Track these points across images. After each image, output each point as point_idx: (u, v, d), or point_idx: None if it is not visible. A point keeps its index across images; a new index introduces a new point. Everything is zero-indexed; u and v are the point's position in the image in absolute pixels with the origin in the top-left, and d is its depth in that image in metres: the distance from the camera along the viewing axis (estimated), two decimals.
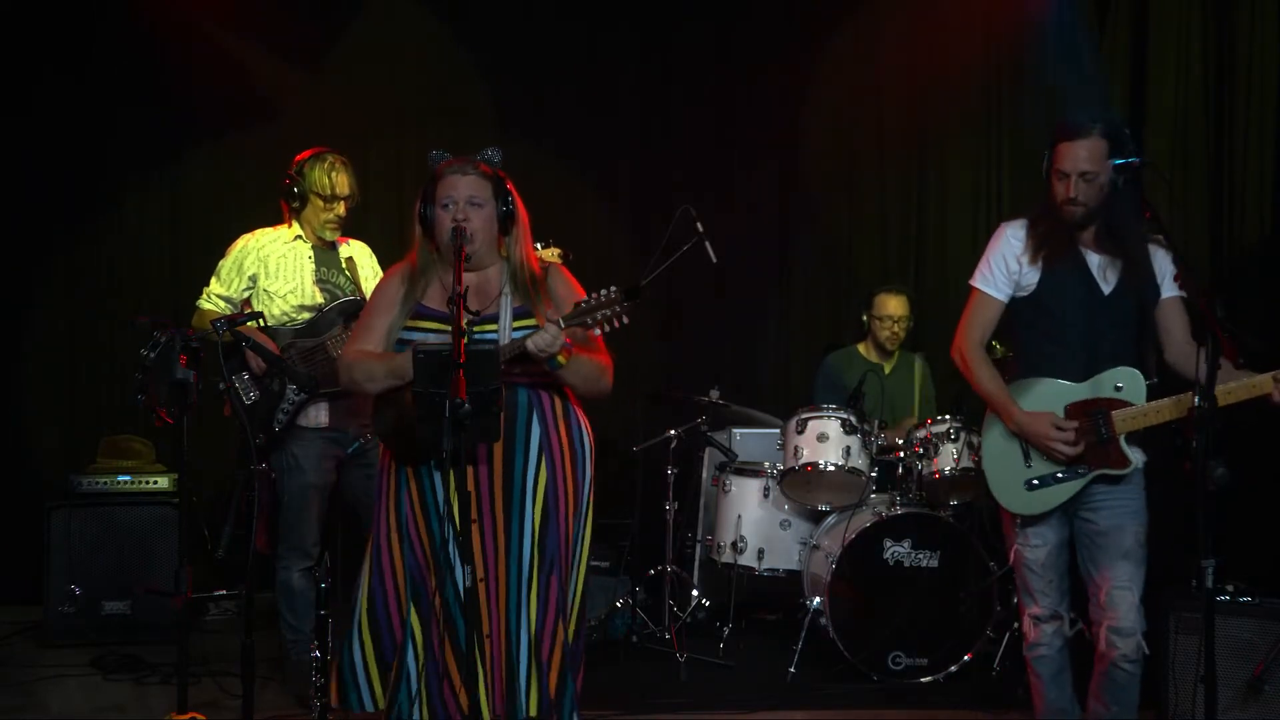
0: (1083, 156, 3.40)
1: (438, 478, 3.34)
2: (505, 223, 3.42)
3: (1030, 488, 3.51)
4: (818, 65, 6.68)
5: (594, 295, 3.20)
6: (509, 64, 6.57)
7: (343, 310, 4.47)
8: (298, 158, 4.60)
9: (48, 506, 5.36)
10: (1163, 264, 3.51)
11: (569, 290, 3.45)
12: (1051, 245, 3.48)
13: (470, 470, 3.26)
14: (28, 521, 5.51)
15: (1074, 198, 3.42)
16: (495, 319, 3.36)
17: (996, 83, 6.53)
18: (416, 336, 3.36)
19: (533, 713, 3.30)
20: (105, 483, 5.50)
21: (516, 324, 3.35)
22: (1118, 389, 3.45)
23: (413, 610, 3.37)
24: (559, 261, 4.45)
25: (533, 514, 3.35)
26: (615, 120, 6.72)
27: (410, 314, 3.40)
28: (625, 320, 3.18)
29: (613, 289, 3.17)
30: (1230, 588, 4.04)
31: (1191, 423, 3.12)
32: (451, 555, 3.29)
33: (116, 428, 5.85)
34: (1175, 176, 5.81)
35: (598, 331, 3.22)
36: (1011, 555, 3.66)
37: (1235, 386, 3.30)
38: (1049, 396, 3.50)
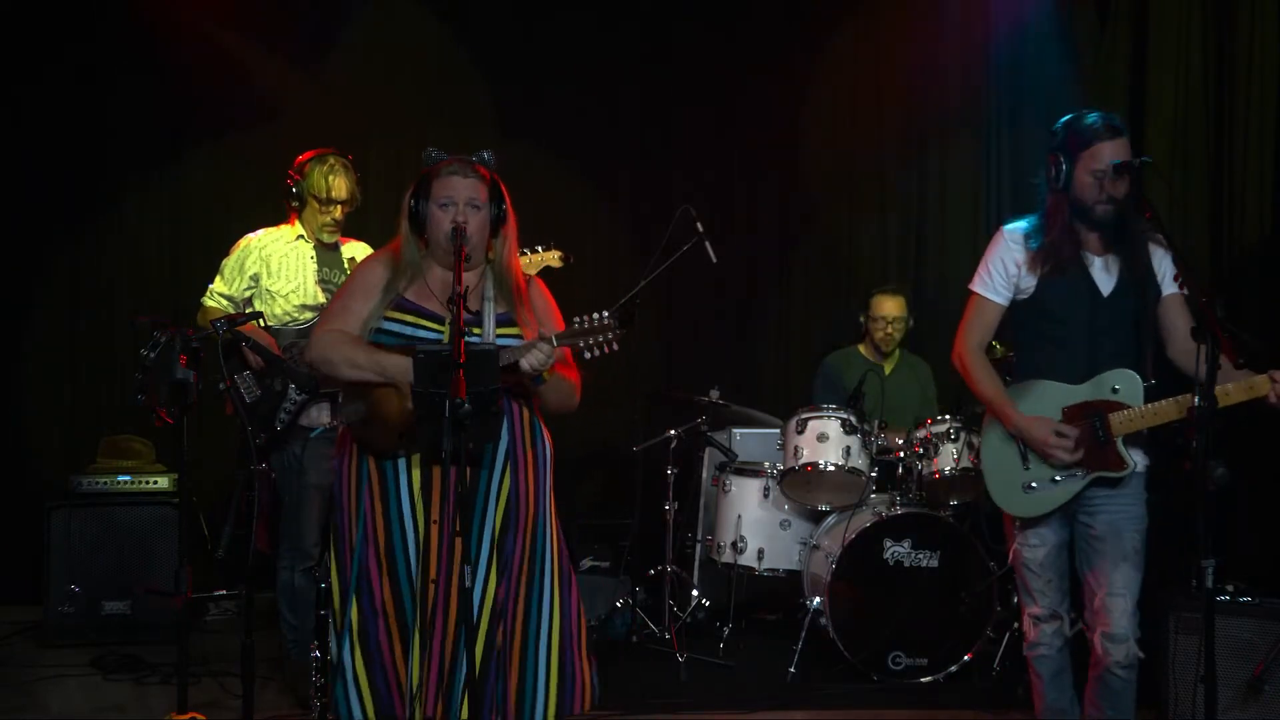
0: (1123, 154, 3.40)
1: (403, 475, 3.31)
2: (495, 226, 3.41)
3: (1028, 490, 3.51)
4: (818, 65, 6.69)
5: (588, 319, 3.16)
6: (509, 64, 6.58)
7: None
8: (300, 158, 4.60)
9: (48, 506, 5.36)
10: (1163, 261, 3.50)
11: (547, 306, 3.46)
12: (1059, 257, 3.46)
13: (436, 471, 3.26)
14: (28, 521, 5.51)
15: (1115, 196, 3.41)
16: (479, 322, 3.34)
17: (996, 83, 6.53)
18: (393, 328, 3.32)
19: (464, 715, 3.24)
20: (105, 483, 5.50)
21: (499, 331, 3.33)
22: (1115, 391, 3.44)
23: (354, 604, 3.31)
24: (559, 264, 4.45)
25: (494, 521, 3.33)
26: (615, 120, 6.72)
27: (392, 305, 3.36)
28: (615, 347, 3.16)
29: (606, 315, 3.14)
30: (1230, 588, 4.04)
31: (1192, 423, 3.12)
32: (410, 553, 3.27)
33: (116, 428, 5.85)
34: (1175, 176, 5.81)
35: (589, 354, 3.19)
36: (1011, 555, 3.66)
37: (1232, 388, 3.29)
38: (1047, 399, 3.50)
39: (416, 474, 3.31)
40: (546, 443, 3.47)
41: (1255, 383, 3.29)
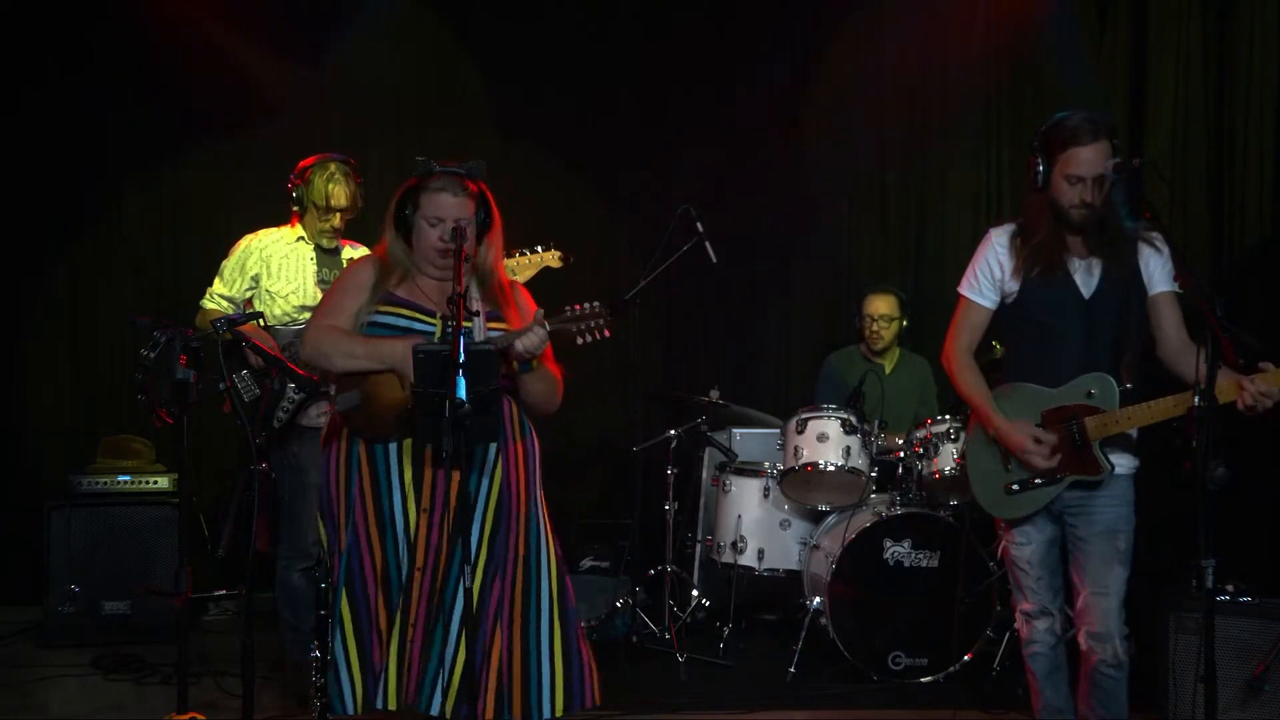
0: (1097, 160, 3.34)
1: (394, 462, 3.34)
2: (480, 232, 3.46)
3: (1010, 492, 3.52)
4: (818, 65, 6.69)
5: (578, 306, 3.28)
6: (509, 64, 6.58)
7: None
8: (302, 163, 4.60)
9: (48, 506, 5.36)
10: (1152, 261, 3.48)
11: (528, 306, 3.52)
12: (1046, 260, 3.44)
13: (428, 459, 3.28)
14: (28, 521, 5.51)
15: (1090, 202, 3.38)
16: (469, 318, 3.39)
17: (996, 83, 6.53)
18: (387, 320, 3.38)
19: (446, 713, 3.25)
20: (105, 483, 5.50)
21: (489, 325, 3.39)
22: (1090, 395, 3.43)
23: (344, 596, 3.35)
24: (558, 264, 4.49)
25: (484, 516, 3.36)
26: (615, 119, 6.72)
27: (381, 300, 3.41)
28: (606, 334, 3.28)
29: (596, 303, 3.28)
30: (1230, 588, 4.04)
31: (1192, 422, 3.11)
32: (400, 541, 3.30)
33: (117, 428, 5.85)
34: (1175, 176, 5.81)
35: (581, 340, 3.29)
36: (1001, 552, 3.68)
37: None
38: (1027, 402, 3.49)
39: (408, 461, 3.34)
40: (535, 443, 3.53)
41: (1222, 388, 3.20)
